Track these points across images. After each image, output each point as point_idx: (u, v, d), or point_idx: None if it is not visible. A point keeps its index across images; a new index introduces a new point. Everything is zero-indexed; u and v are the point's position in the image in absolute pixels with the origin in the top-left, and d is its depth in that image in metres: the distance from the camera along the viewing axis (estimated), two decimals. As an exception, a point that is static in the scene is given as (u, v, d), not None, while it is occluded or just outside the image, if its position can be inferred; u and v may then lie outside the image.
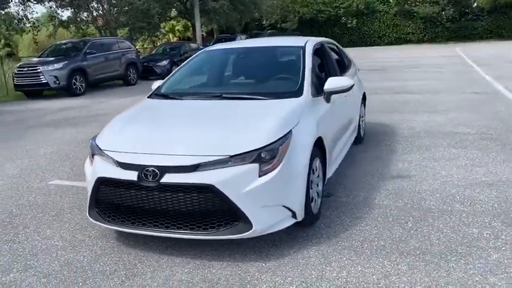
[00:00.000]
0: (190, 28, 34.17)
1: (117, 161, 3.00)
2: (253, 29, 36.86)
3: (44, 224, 3.75)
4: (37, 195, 4.53)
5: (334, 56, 5.38)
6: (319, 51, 4.54)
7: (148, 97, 4.09)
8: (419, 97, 9.50)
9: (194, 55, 4.71)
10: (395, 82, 12.19)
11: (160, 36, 28.02)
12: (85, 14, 21.56)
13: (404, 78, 13.02)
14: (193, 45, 20.41)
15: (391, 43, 36.88)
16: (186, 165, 2.81)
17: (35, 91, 13.43)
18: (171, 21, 40.03)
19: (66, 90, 13.22)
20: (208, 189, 2.76)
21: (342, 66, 5.26)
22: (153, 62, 17.86)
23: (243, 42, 5.00)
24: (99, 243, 3.33)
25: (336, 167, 4.22)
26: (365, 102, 6.10)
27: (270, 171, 2.86)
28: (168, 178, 2.82)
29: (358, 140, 5.68)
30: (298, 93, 3.59)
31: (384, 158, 5.14)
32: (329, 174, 3.94)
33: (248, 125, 3.13)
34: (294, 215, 3.04)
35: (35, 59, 14.49)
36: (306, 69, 3.85)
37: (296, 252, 3.03)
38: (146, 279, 2.79)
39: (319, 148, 3.55)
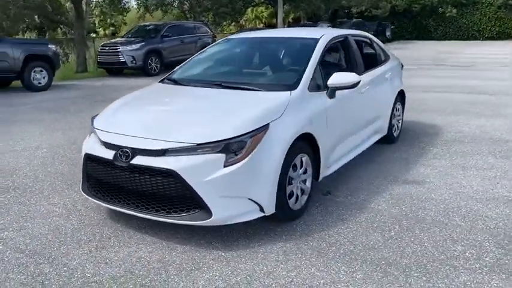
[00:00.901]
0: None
1: (101, 139, 3.20)
2: (342, 17, 35.97)
3: (56, 192, 4.10)
4: (67, 164, 4.94)
5: (366, 51, 5.16)
6: (338, 44, 4.39)
7: (159, 81, 4.26)
8: (491, 98, 8.73)
9: (214, 43, 4.79)
10: (475, 81, 11.28)
11: (242, 22, 28.42)
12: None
13: (488, 77, 11.98)
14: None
15: (491, 38, 33.84)
16: (155, 149, 2.93)
17: (114, 69, 14.44)
18: (259, 8, 40.43)
19: (142, 70, 14.01)
20: (171, 175, 2.85)
21: (372, 62, 5.02)
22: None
23: (262, 32, 4.97)
24: (91, 214, 3.58)
25: (341, 165, 4.09)
26: (403, 101, 5.76)
27: (236, 163, 2.87)
28: (137, 160, 2.95)
29: (390, 140, 5.42)
30: (292, 86, 3.52)
31: (408, 160, 4.86)
32: (327, 172, 3.84)
33: (225, 115, 3.16)
34: (261, 209, 3.02)
35: (118, 39, 15.52)
36: (309, 63, 3.75)
37: (260, 246, 3.03)
38: (110, 253, 2.97)
39: (309, 144, 3.47)
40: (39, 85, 10.98)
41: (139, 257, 2.91)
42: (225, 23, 25.82)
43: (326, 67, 4.12)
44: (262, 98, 3.42)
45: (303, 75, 3.64)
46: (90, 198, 3.36)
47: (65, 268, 2.79)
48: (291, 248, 3.00)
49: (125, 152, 3.00)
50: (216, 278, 2.66)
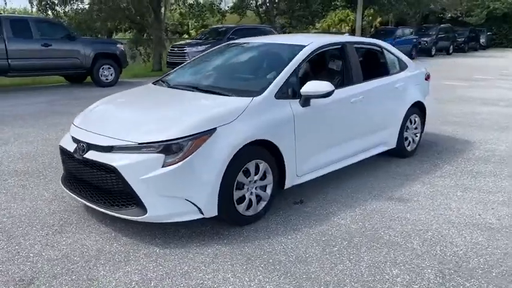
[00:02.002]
0: (365, 18, 33.45)
1: (70, 133, 3.50)
2: (433, 22, 34.17)
3: (56, 179, 4.49)
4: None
5: (372, 59, 4.99)
6: (329, 53, 4.31)
7: (153, 82, 4.49)
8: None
9: (216, 46, 4.93)
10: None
11: (325, 26, 28.15)
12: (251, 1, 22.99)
13: None
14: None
15: None
16: (103, 146, 3.14)
17: (181, 68, 15.16)
18: (346, 11, 39.73)
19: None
20: (112, 170, 3.04)
21: (378, 71, 4.83)
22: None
23: (258, 38, 4.98)
24: (71, 202, 3.90)
25: (320, 175, 4.03)
26: (423, 114, 5.43)
27: (173, 164, 2.99)
28: (89, 154, 3.19)
29: (401, 154, 5.17)
30: (257, 93, 3.54)
31: (409, 177, 4.60)
32: (298, 181, 3.81)
33: (178, 118, 3.28)
34: (200, 211, 3.10)
35: (188, 41, 16.28)
36: (283, 71, 3.74)
37: (198, 247, 3.11)
38: (62, 238, 3.24)
39: (271, 151, 3.48)
40: (107, 81, 11.93)
41: (83, 244, 3.13)
42: (301, 26, 25.72)
43: (309, 75, 4.06)
44: (222, 102, 3.49)
45: (271, 81, 3.63)
46: (63, 187, 3.66)
47: (16, 246, 3.10)
48: (224, 252, 3.04)
49: (82, 146, 3.25)
50: (136, 271, 2.79)
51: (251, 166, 3.35)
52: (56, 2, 16.98)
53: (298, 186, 3.92)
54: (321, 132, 3.93)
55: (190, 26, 48.81)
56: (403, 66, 5.18)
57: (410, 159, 5.24)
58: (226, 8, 24.59)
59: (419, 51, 24.63)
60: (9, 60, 10.20)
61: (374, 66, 4.88)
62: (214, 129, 3.13)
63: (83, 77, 12.57)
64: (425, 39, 25.30)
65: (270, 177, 3.53)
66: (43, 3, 17.34)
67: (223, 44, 4.98)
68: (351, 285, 2.64)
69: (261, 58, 4.35)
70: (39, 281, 2.67)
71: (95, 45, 11.85)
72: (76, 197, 3.43)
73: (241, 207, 3.34)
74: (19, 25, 10.46)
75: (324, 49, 4.27)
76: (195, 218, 3.14)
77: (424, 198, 4.03)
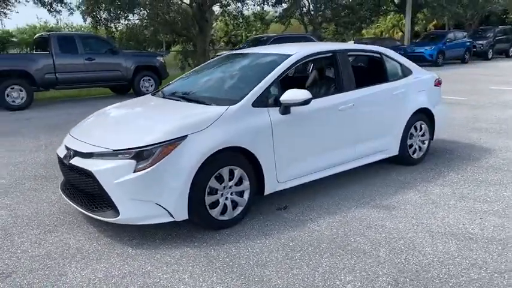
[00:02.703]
0: (418, 22, 32.51)
1: (64, 142, 3.82)
2: (495, 24, 32.50)
3: (55, 182, 4.80)
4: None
5: (369, 66, 4.96)
6: (318, 61, 4.36)
7: (151, 93, 4.75)
8: None
9: (217, 57, 5.12)
10: None
11: (378, 32, 27.60)
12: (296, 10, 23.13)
13: None
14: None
15: None
16: (85, 152, 3.41)
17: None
18: (398, 15, 38.74)
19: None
20: (89, 175, 3.30)
21: (376, 78, 4.79)
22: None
23: (252, 49, 5.09)
24: (68, 203, 4.19)
25: (306, 181, 4.10)
26: (431, 120, 5.29)
27: (144, 169, 3.19)
28: (74, 160, 3.48)
29: (405, 161, 5.09)
30: (234, 101, 3.67)
31: (406, 185, 4.52)
32: (280, 187, 3.89)
33: (154, 125, 3.49)
34: (170, 214, 3.28)
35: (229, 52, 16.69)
36: (264, 79, 3.85)
37: (168, 249, 3.28)
38: (50, 237, 3.53)
39: (247, 158, 3.60)
40: (147, 91, 12.51)
41: (66, 243, 3.41)
42: (348, 33, 25.46)
43: (296, 83, 4.14)
44: (200, 111, 3.65)
45: (250, 90, 3.75)
46: (60, 192, 3.97)
47: (9, 243, 3.43)
48: (189, 254, 3.18)
49: (69, 153, 3.55)
50: (102, 269, 3.00)
51: (224, 172, 3.47)
52: (109, 18, 17.99)
53: (286, 192, 4.00)
54: (303, 140, 3.98)
55: (243, 37, 49.81)
56: (406, 73, 5.09)
57: (416, 167, 5.13)
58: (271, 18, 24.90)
59: (475, 55, 23.51)
60: (57, 74, 11.02)
61: (371, 73, 4.85)
62: (185, 136, 3.29)
63: (127, 88, 13.25)
64: (481, 42, 24.11)
65: (246, 183, 3.63)
66: (97, 19, 18.48)
67: (225, 54, 5.16)
68: (300, 286, 2.69)
69: (248, 68, 4.47)
70: (16, 275, 2.95)
71: (135, 58, 12.49)
72: (68, 200, 3.72)
73: (214, 212, 3.47)
74: (65, 41, 11.28)
75: (311, 58, 4.32)
76: (166, 221, 3.31)
77: (412, 206, 3.96)
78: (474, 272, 2.85)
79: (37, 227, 3.72)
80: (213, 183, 3.42)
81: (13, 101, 10.43)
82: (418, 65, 5.42)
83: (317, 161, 4.13)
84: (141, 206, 3.24)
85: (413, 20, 26.93)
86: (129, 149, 3.23)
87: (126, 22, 19.63)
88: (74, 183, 3.60)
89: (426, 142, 5.29)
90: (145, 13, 18.23)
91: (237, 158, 3.54)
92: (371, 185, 4.51)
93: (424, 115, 5.19)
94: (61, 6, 15.94)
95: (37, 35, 13.34)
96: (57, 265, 3.07)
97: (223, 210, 3.54)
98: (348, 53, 4.62)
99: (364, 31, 38.91)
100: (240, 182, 3.60)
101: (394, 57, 5.05)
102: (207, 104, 3.79)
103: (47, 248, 3.33)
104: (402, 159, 5.07)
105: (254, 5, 20.65)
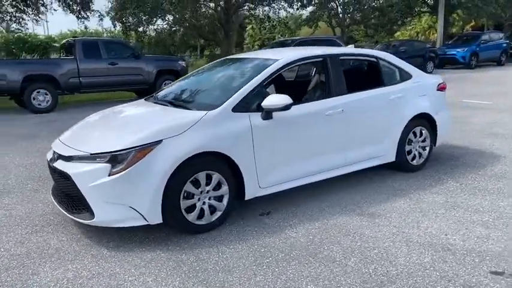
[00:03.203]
0: (455, 23, 31.54)
1: (52, 146, 3.95)
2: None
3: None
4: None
5: (363, 71, 4.89)
6: (306, 66, 4.33)
7: (145, 98, 4.85)
8: None
9: (212, 62, 5.17)
10: None
11: (413, 34, 26.99)
12: (324, 12, 22.97)
13: None
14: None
15: None
16: (65, 155, 3.53)
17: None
18: (434, 16, 37.73)
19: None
20: (67, 177, 3.40)
21: (370, 82, 4.70)
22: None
23: (247, 54, 5.09)
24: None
25: (290, 187, 4.08)
26: (432, 126, 5.13)
27: (118, 173, 3.26)
28: (57, 163, 3.60)
29: (403, 168, 4.97)
30: (214, 106, 3.70)
31: (398, 193, 4.42)
32: (261, 192, 3.88)
33: (131, 131, 3.55)
34: (144, 218, 3.34)
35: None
36: (246, 85, 3.86)
37: (139, 251, 3.33)
38: (35, 237, 3.65)
39: (226, 163, 3.61)
40: (168, 95, 12.74)
41: (48, 243, 3.52)
42: (378, 36, 25.02)
43: (283, 88, 4.13)
44: (180, 116, 3.69)
45: (231, 95, 3.77)
46: (50, 195, 4.11)
47: (-5, 242, 3.58)
48: (160, 257, 3.23)
49: (54, 157, 3.67)
50: (73, 270, 3.09)
51: (201, 177, 3.50)
52: (136, 23, 18.44)
53: (273, 197, 4.03)
54: (287, 145, 3.95)
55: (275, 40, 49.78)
56: (404, 77, 4.97)
57: (415, 173, 4.99)
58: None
59: (512, 57, 22.63)
60: (81, 78, 11.40)
61: (366, 77, 4.77)
62: (160, 141, 3.34)
63: (150, 92, 13.51)
64: (519, 43, 23.16)
65: (225, 188, 3.64)
66: (127, 25, 18.98)
67: (220, 59, 5.20)
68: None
69: (236, 73, 4.48)
70: (-8, 272, 3.08)
71: (157, 62, 12.76)
72: (54, 202, 3.85)
73: (191, 216, 3.50)
74: (89, 46, 11.66)
75: (299, 63, 4.30)
76: (140, 224, 3.37)
77: (397, 214, 3.86)
78: (441, 285, 2.75)
79: (26, 226, 3.86)
80: (189, 187, 3.45)
81: (39, 104, 10.86)
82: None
83: (302, 167, 4.09)
84: (116, 209, 3.31)
85: (448, 21, 26.19)
86: (104, 153, 3.31)
87: (155, 27, 20.06)
88: (58, 186, 3.72)
89: (427, 148, 5.14)
90: (172, 18, 18.57)
91: (214, 163, 3.56)
92: (361, 192, 4.43)
93: (425, 120, 5.04)
94: (89, 12, 16.50)
95: (64, 40, 13.86)
96: (33, 264, 3.18)
97: (201, 215, 3.56)
98: (340, 58, 4.55)
99: (398, 33, 38.13)
100: (218, 186, 3.62)
101: (391, 62, 4.94)
102: (190, 109, 3.83)
103: (28, 248, 3.45)
104: (400, 166, 4.95)
105: (279, 10, 20.64)
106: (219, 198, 3.65)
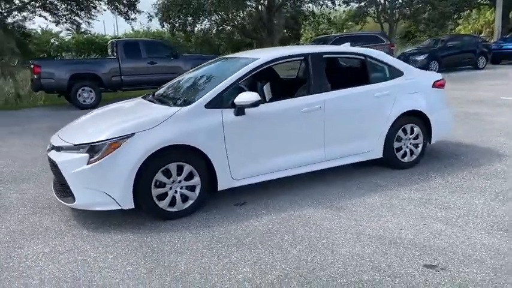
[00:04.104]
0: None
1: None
2: None
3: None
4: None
5: (349, 68, 4.98)
6: (287, 65, 4.52)
7: (142, 96, 5.23)
8: None
9: (210, 60, 5.48)
10: None
11: (460, 28, 25.86)
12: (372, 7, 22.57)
13: None
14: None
15: None
16: (56, 146, 3.99)
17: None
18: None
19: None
20: (56, 165, 3.87)
21: (356, 80, 4.79)
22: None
23: (241, 53, 5.32)
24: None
25: (266, 180, 4.30)
26: (425, 123, 5.11)
27: (94, 162, 3.67)
28: (51, 153, 4.07)
29: (392, 165, 5.02)
30: (188, 103, 4.02)
31: (377, 188, 4.49)
32: (234, 184, 4.14)
33: (113, 124, 3.94)
34: (117, 203, 3.73)
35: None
36: (222, 82, 4.13)
37: (114, 233, 3.69)
38: (33, 218, 4.14)
39: (198, 155, 3.91)
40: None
41: (41, 223, 4.00)
42: (430, 31, 24.09)
43: (263, 86, 4.36)
44: (156, 111, 4.04)
45: (205, 93, 4.06)
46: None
47: (1, 219, 4.12)
48: (129, 239, 3.58)
49: (49, 148, 4.15)
50: (51, 246, 3.51)
51: (172, 168, 3.82)
52: (181, 24, 19.18)
53: (255, 189, 4.33)
54: (261, 140, 4.17)
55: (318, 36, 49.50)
56: (394, 75, 4.99)
57: (404, 170, 5.02)
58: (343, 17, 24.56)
59: None
60: (122, 77, 12.17)
61: (351, 75, 4.86)
62: (132, 134, 3.70)
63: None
64: None
65: (196, 179, 3.94)
66: (175, 25, 19.79)
67: (216, 58, 5.50)
68: (198, 275, 2.95)
69: (220, 71, 4.74)
70: (-13, 245, 3.59)
71: (194, 61, 13.24)
72: (52, 188, 4.32)
73: (162, 203, 3.83)
74: (131, 47, 12.41)
75: (279, 62, 4.49)
76: (114, 208, 3.75)
77: (364, 209, 3.96)
78: (368, 274, 2.87)
79: (30, 208, 4.39)
80: (160, 177, 3.78)
81: (84, 101, 11.74)
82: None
83: (277, 161, 4.29)
84: (93, 194, 3.71)
85: (507, 14, 24.71)
86: (84, 144, 3.73)
87: (202, 26, 20.74)
88: (52, 173, 4.19)
89: (420, 146, 5.12)
90: (218, 18, 19.13)
91: (186, 155, 3.86)
92: (340, 186, 4.55)
93: (417, 118, 5.04)
94: (135, 13, 17.47)
95: (110, 41, 14.78)
96: (21, 240, 3.65)
97: (173, 203, 3.88)
98: (324, 56, 4.68)
99: (460, 26, 36.40)
100: (190, 177, 3.91)
101: (381, 59, 4.99)
102: (169, 105, 4.16)
103: (24, 226, 3.95)
104: (389, 163, 4.99)
105: (323, 6, 20.52)
106: (192, 188, 3.95)
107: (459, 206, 3.92)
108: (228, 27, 20.90)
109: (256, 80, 4.94)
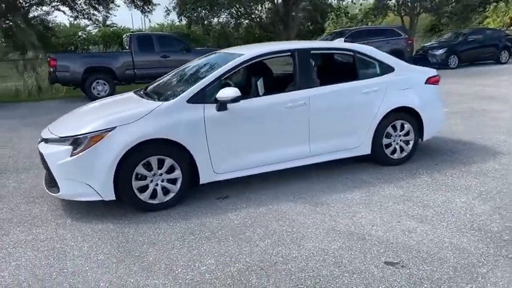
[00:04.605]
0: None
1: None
2: None
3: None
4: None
5: (338, 64, 4.97)
6: (273, 60, 4.56)
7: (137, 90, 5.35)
8: None
9: (204, 55, 5.55)
10: None
11: (489, 21, 25.12)
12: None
13: None
14: None
15: None
16: (44, 138, 4.15)
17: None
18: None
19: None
20: (43, 157, 4.03)
21: (344, 76, 4.79)
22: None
23: (231, 49, 5.36)
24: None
25: (248, 174, 4.37)
26: (417, 120, 5.07)
27: (76, 154, 3.81)
28: (39, 145, 4.24)
29: (383, 161, 5.02)
30: (171, 98, 4.11)
31: (361, 184, 4.50)
32: (216, 178, 4.22)
33: (95, 118, 4.06)
34: (99, 194, 3.86)
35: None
36: (205, 78, 4.21)
37: (95, 223, 3.83)
38: (25, 206, 4.33)
39: (180, 149, 4.00)
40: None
41: (30, 212, 4.17)
42: (454, 24, 23.47)
43: (249, 82, 4.43)
44: (138, 106, 4.14)
45: (187, 88, 4.15)
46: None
47: (-7, 208, 4.32)
48: (107, 229, 3.70)
49: (40, 139, 4.32)
50: (35, 233, 3.67)
51: (153, 161, 3.93)
52: (199, 17, 19.29)
53: (239, 183, 4.43)
54: (243, 135, 4.23)
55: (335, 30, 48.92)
56: (385, 71, 4.95)
57: (394, 167, 4.99)
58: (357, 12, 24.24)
59: None
60: (135, 70, 12.39)
61: (339, 71, 4.86)
62: (114, 128, 3.82)
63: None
64: None
65: (178, 172, 4.04)
66: (192, 19, 19.94)
67: (210, 53, 5.57)
68: (164, 265, 3.05)
69: (207, 66, 4.80)
70: (-24, 231, 3.78)
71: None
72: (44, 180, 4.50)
73: (143, 196, 3.94)
74: (144, 41, 12.62)
75: (264, 58, 4.52)
76: (96, 199, 3.88)
77: (342, 205, 3.98)
78: (328, 269, 2.91)
79: (23, 197, 4.58)
80: (140, 170, 3.89)
81: (98, 94, 12.03)
82: None
83: (259, 156, 4.34)
84: (76, 185, 3.86)
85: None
86: (68, 136, 3.87)
87: (220, 20, 20.83)
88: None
89: (411, 143, 5.09)
90: (234, 12, 19.18)
91: (166, 149, 3.96)
92: (324, 182, 4.57)
93: (407, 114, 5.00)
94: (151, 6, 17.63)
95: (124, 35, 15.04)
96: (9, 227, 3.83)
97: (154, 195, 3.99)
98: (311, 52, 4.70)
99: (489, 19, 35.34)
100: (171, 170, 4.01)
101: (371, 55, 4.96)
102: (154, 100, 4.26)
103: (14, 214, 4.13)
104: (378, 159, 4.98)
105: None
106: (173, 181, 4.04)
107: (438, 204, 3.90)
108: (246, 21, 20.91)
109: (250, 75, 5.00)
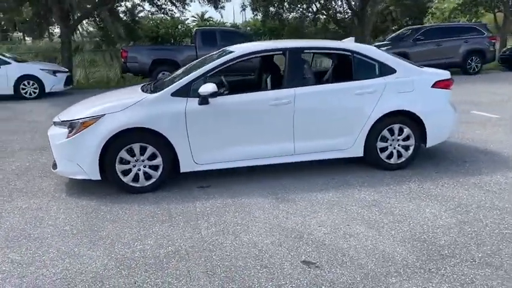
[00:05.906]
0: None
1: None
2: None
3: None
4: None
5: (334, 64, 4.95)
6: (264, 58, 4.70)
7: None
8: None
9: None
10: None
11: None
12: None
13: None
14: None
15: None
16: (53, 121, 4.75)
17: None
18: None
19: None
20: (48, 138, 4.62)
21: (340, 76, 4.78)
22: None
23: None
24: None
25: (230, 167, 4.59)
26: (418, 124, 4.87)
27: (70, 137, 4.34)
28: (50, 128, 4.85)
29: (379, 165, 4.91)
30: (158, 91, 4.47)
31: (343, 186, 4.48)
32: (197, 168, 4.50)
33: (95, 105, 4.54)
34: (86, 173, 4.35)
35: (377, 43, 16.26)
36: (192, 73, 4.50)
37: (84, 200, 4.31)
38: (20, 182, 5.01)
39: (162, 139, 4.35)
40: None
41: (34, 185, 4.78)
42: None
43: (237, 78, 4.63)
44: (129, 97, 4.54)
45: (173, 82, 4.47)
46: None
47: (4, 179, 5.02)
48: (87, 205, 4.14)
49: (52, 124, 4.94)
50: (29, 203, 4.23)
51: (136, 147, 4.31)
52: (273, 12, 19.53)
53: (226, 174, 4.68)
54: (224, 128, 4.43)
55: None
56: (385, 72, 4.81)
57: (386, 172, 4.86)
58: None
59: None
60: (198, 63, 13.02)
61: (333, 71, 4.83)
62: (103, 115, 4.27)
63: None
64: None
65: (159, 160, 4.38)
66: (268, 13, 20.25)
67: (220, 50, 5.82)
68: (109, 241, 3.41)
69: (204, 62, 5.04)
70: (-10, 197, 4.46)
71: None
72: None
73: (126, 178, 4.35)
74: (207, 35, 13.23)
75: (254, 56, 4.68)
76: (85, 178, 4.36)
77: (306, 204, 4.03)
78: (244, 261, 3.04)
79: (36, 172, 5.24)
80: (123, 154, 4.29)
81: (163, 84, 12.85)
82: None
83: (240, 150, 4.51)
84: (69, 164, 4.37)
85: None
86: (66, 121, 4.40)
87: (297, 15, 20.88)
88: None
89: (411, 148, 4.91)
90: (313, 7, 19.12)
91: (148, 137, 4.31)
92: (306, 182, 4.61)
93: (407, 118, 4.83)
94: (223, 2, 18.20)
95: (194, 29, 15.78)
96: (16, 196, 4.46)
97: (136, 179, 4.37)
98: (304, 51, 4.75)
99: None
100: (153, 157, 4.37)
101: (370, 56, 4.84)
102: (147, 93, 4.64)
103: (27, 186, 4.78)
104: (372, 163, 4.89)
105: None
106: (155, 168, 4.39)
107: (403, 213, 3.79)
108: (323, 17, 20.73)
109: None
